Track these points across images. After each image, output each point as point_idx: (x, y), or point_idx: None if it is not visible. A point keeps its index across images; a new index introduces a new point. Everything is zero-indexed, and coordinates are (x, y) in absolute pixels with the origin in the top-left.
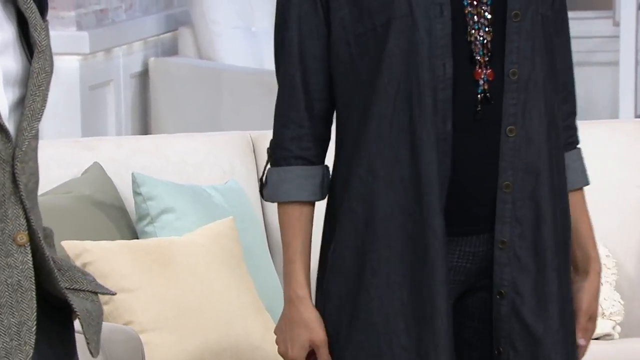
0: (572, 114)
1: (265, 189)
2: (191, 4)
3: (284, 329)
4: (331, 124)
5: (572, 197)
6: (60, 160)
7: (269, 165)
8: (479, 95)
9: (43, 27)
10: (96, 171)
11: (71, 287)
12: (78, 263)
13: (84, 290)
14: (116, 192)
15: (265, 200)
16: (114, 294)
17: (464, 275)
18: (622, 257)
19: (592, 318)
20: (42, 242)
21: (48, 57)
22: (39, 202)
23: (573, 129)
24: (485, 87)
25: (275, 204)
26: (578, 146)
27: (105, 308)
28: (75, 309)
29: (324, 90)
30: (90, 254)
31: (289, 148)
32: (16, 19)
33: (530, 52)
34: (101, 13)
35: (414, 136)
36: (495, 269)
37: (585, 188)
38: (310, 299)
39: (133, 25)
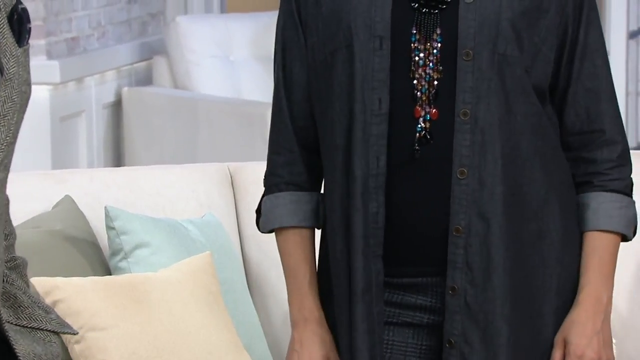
0: (609, 160)
1: (260, 219)
2: (166, 32)
3: (298, 349)
4: None
5: (588, 236)
6: (29, 193)
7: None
8: (417, 134)
9: (14, 54)
10: (67, 205)
11: (29, 326)
12: (48, 300)
13: (42, 330)
14: (88, 227)
15: (261, 232)
16: (75, 333)
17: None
18: (614, 295)
19: (574, 356)
20: None
21: (16, 86)
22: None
23: (605, 175)
24: (426, 126)
25: (254, 240)
26: (610, 191)
27: (77, 347)
28: (18, 354)
29: (308, 119)
30: (61, 291)
31: (281, 174)
32: None
33: (486, 92)
34: (72, 41)
35: (350, 170)
36: (446, 317)
37: None
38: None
39: (106, 53)
